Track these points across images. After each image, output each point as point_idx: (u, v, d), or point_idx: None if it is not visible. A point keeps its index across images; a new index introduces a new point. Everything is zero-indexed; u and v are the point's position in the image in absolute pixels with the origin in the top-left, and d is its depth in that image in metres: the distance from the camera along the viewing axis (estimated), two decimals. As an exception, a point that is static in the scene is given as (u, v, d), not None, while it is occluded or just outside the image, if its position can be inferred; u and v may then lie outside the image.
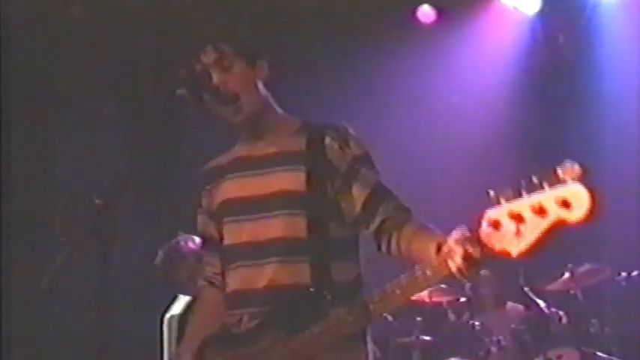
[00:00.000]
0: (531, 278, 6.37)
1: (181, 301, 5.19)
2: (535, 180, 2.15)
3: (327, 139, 2.79)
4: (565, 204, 2.10)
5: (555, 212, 2.13)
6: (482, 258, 2.31)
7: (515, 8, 7.52)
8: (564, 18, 7.46)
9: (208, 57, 2.79)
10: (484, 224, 2.27)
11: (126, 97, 7.22)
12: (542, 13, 7.49)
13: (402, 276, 2.48)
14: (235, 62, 2.81)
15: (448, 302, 6.65)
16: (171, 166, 6.52)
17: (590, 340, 5.98)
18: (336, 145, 2.78)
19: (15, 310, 6.20)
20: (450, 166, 7.21)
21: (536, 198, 2.15)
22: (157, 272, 5.09)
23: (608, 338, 6.15)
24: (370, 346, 2.78)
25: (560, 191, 2.11)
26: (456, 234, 2.36)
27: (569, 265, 6.15)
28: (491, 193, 2.23)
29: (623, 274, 6.22)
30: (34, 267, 5.78)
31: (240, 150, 2.93)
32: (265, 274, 2.73)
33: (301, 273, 2.70)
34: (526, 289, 6.32)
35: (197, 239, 4.16)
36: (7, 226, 6.37)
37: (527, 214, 2.17)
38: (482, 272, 6.42)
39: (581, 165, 2.10)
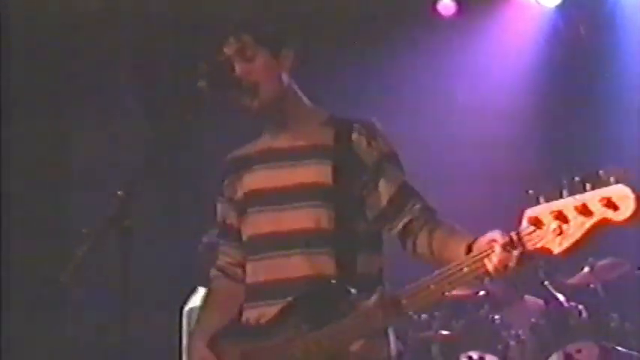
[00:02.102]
0: (551, 272, 6.32)
1: (200, 293, 5.21)
2: (577, 180, 2.17)
3: (355, 135, 2.80)
4: (610, 204, 2.12)
5: (600, 212, 2.14)
6: (522, 257, 2.30)
7: (536, 0, 7.48)
8: (585, 10, 7.40)
9: (230, 48, 2.80)
10: (524, 222, 2.27)
11: (147, 87, 7.22)
12: (563, 6, 7.44)
13: (436, 272, 2.47)
14: (258, 52, 2.82)
15: (467, 296, 6.63)
16: (193, 157, 6.52)
17: (610, 335, 5.93)
18: (363, 141, 2.79)
19: (37, 303, 6.23)
20: (471, 160, 7.17)
21: (580, 198, 2.16)
22: (201, 257, 5.12)
23: (628, 333, 6.09)
24: (392, 338, 2.76)
25: (604, 191, 2.12)
26: (492, 233, 2.37)
27: (590, 259, 6.10)
28: (531, 192, 2.24)
29: (644, 268, 6.17)
30: (55, 260, 5.80)
31: (267, 141, 2.93)
32: (290, 266, 2.73)
33: (325, 264, 2.70)
34: (546, 283, 6.28)
35: None
36: (29, 219, 6.39)
37: (571, 214, 2.18)
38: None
39: (623, 168, 2.11)
